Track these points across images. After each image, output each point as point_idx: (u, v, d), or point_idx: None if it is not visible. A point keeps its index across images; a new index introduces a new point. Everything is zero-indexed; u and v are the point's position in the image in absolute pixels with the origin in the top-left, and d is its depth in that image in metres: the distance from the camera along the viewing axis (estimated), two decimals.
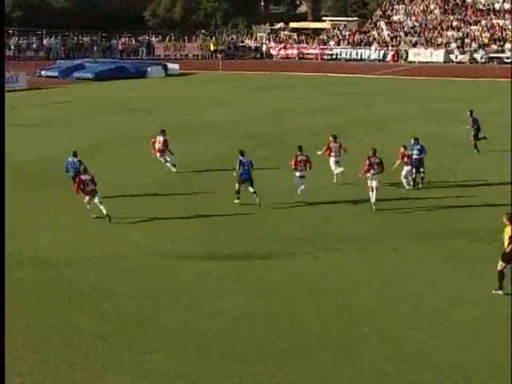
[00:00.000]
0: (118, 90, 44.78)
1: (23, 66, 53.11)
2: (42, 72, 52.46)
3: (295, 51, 65.18)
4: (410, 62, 60.19)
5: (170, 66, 56.13)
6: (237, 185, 18.96)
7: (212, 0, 73.72)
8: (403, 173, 20.81)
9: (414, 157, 20.82)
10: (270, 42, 67.61)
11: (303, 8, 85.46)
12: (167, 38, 66.79)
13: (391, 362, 10.97)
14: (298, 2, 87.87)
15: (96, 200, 17.69)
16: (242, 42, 68.54)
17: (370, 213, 18.54)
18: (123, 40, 66.09)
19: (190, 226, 17.48)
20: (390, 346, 11.47)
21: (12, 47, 63.66)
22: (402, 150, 20.79)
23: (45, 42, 64.23)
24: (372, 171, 18.79)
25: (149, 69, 54.68)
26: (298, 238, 16.61)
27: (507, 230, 13.16)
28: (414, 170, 20.92)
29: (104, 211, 17.51)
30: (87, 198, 17.79)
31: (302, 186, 19.36)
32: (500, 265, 13.34)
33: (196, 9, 74.32)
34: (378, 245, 16.28)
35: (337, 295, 13.43)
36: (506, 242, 13.18)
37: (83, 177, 17.65)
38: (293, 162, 19.48)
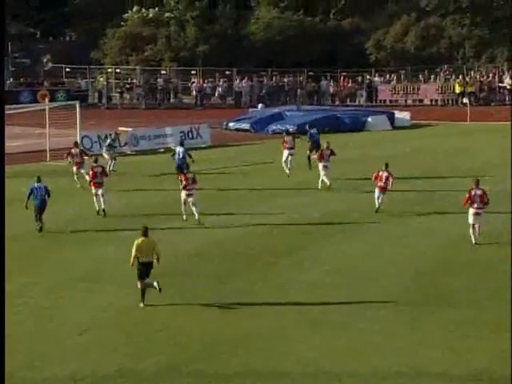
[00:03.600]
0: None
1: (206, 115, 54.41)
2: (230, 124, 53.57)
3: None
4: None
5: (399, 115, 56.04)
6: None
7: (461, 24, 71.52)
8: None
9: None
10: None
11: None
12: (395, 78, 66.70)
13: None
14: None
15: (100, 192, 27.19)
16: (501, 81, 65.64)
17: None
18: (337, 81, 66.56)
19: None
20: None
21: (194, 92, 65.58)
22: None
23: (234, 84, 65.74)
24: None
25: (369, 119, 54.43)
26: None
27: None
28: None
29: (102, 205, 26.89)
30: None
31: None
32: None
33: (437, 37, 72.81)
34: None
35: None
36: None
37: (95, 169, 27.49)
38: None
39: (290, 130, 50.44)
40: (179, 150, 33.77)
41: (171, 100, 67.69)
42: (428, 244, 23.46)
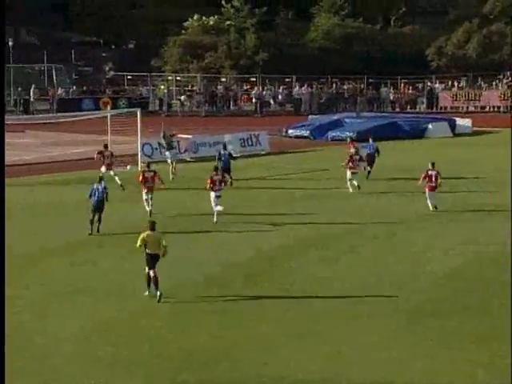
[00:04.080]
0: (386, 156, 43.31)
1: (265, 123, 54.67)
2: (290, 131, 53.59)
3: None
4: None
5: (460, 121, 55.72)
6: None
7: None
8: None
9: None
10: None
11: None
12: (456, 85, 66.26)
13: None
14: None
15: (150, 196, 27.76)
16: None
17: None
18: (397, 88, 66.57)
19: None
20: None
21: (253, 99, 66.14)
22: None
23: (294, 92, 66.01)
24: None
25: (430, 126, 54.15)
26: None
27: None
28: None
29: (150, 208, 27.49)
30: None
31: None
32: None
33: (500, 43, 72.25)
34: None
35: None
36: None
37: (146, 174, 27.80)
38: None
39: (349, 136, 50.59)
40: (223, 152, 34.84)
41: (231, 107, 68.36)
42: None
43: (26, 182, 34.76)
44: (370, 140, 36.15)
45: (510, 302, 18.06)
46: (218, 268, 21.80)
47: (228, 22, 76.03)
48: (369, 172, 34.75)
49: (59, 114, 51.49)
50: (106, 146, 34.85)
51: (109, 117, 40.12)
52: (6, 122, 41.00)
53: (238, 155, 43.87)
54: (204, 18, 76.40)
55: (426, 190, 28.61)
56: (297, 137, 52.26)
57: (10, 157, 36.04)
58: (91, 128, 44.89)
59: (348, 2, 77.69)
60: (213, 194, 27.02)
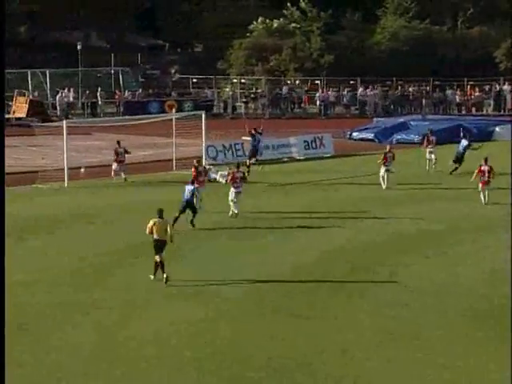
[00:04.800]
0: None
1: (329, 125, 54.49)
2: (354, 134, 53.51)
3: None
4: None
5: None
6: None
7: None
8: None
9: None
10: None
11: None
12: None
13: None
14: None
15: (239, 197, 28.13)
16: None
17: None
18: (463, 90, 66.13)
19: None
20: None
21: (318, 102, 66.48)
22: None
23: (358, 93, 66.23)
24: None
25: (497, 128, 53.64)
26: None
27: None
28: None
29: (235, 210, 27.95)
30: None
31: None
32: None
33: None
34: None
35: None
36: None
37: (236, 174, 28.35)
38: None
39: (415, 140, 50.23)
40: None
41: (295, 109, 68.61)
42: None
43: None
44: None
45: (510, 302, 18.46)
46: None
47: (293, 25, 76.30)
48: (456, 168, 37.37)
49: (126, 117, 52.40)
50: (118, 143, 36.84)
51: (174, 119, 40.67)
52: (75, 125, 42.81)
53: (303, 157, 44.70)
54: (268, 20, 76.73)
55: (480, 184, 30.31)
56: (361, 139, 52.04)
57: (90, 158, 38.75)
58: (158, 131, 45.51)
59: (414, 3, 77.47)
60: (233, 190, 28.14)
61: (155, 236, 20.58)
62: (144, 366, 15.76)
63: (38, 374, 15.47)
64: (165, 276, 20.35)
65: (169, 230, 20.75)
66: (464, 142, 38.73)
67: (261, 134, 39.73)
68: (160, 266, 20.49)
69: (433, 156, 39.06)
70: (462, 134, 40.07)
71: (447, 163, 38.02)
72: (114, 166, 36.46)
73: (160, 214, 20.82)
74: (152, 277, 20.71)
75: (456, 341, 17.05)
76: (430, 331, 17.66)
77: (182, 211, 26.25)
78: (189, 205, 26.40)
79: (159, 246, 20.57)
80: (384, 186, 34.18)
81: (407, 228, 27.41)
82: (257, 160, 38.74)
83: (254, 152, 38.26)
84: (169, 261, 21.19)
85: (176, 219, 25.48)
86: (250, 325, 18.01)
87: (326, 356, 16.24)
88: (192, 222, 26.46)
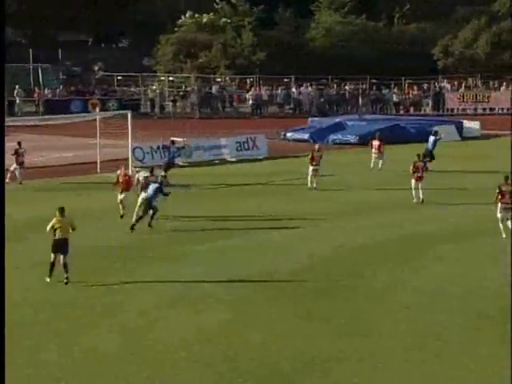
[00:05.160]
0: (392, 162, 42.19)
1: (263, 125, 53.74)
2: (289, 134, 52.98)
3: None
4: None
5: (468, 124, 55.51)
6: None
7: None
8: None
9: None
10: None
11: None
12: (463, 86, 66.20)
13: None
14: None
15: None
16: None
17: None
18: (401, 88, 66.59)
19: None
20: None
21: (250, 101, 65.27)
22: None
23: (293, 92, 65.29)
24: None
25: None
26: None
27: None
28: None
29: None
30: None
31: None
32: None
33: (510, 42, 71.83)
34: None
35: None
36: None
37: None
38: None
39: (352, 140, 50.01)
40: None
41: (226, 109, 67.51)
42: None
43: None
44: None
45: (510, 302, 18.50)
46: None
47: (224, 20, 75.09)
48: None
49: (46, 117, 50.30)
50: (19, 144, 35.07)
51: (98, 119, 39.39)
52: None
53: (235, 159, 43.26)
54: (197, 15, 75.39)
55: (413, 181, 30.54)
56: (296, 140, 51.38)
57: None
58: (80, 131, 44.01)
59: None
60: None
61: (58, 235, 20.12)
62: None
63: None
64: (66, 276, 19.99)
65: (72, 225, 20.41)
66: (431, 139, 40.24)
67: (179, 148, 39.22)
68: (64, 266, 20.03)
69: (380, 162, 39.31)
70: (433, 132, 41.93)
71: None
72: (13, 167, 34.31)
73: (62, 212, 20.32)
74: (48, 279, 20.09)
75: (481, 343, 17.00)
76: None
77: (146, 212, 25.99)
78: (150, 204, 25.96)
79: (61, 245, 20.09)
80: (309, 186, 34.12)
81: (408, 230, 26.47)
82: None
83: (170, 165, 36.01)
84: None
85: (139, 219, 25.70)
86: (279, 324, 18.16)
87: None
88: (150, 224, 26.14)
